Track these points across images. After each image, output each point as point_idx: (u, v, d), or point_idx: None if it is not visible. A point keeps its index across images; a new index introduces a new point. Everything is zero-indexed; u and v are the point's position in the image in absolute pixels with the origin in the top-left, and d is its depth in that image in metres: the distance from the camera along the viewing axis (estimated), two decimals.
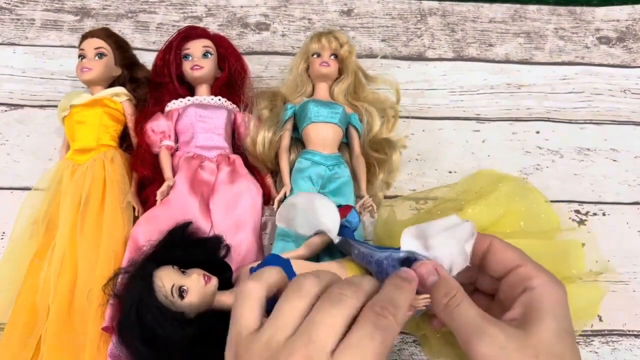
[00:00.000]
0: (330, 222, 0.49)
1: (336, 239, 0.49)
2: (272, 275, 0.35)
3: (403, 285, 0.34)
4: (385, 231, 0.56)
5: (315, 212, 0.50)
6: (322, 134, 0.61)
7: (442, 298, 0.34)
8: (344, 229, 0.51)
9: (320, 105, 0.62)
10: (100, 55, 0.63)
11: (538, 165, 0.69)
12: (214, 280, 0.47)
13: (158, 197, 0.57)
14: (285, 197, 0.59)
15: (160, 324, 0.44)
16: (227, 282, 0.51)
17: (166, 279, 0.45)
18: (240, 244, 0.56)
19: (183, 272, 0.46)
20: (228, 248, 0.54)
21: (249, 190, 0.59)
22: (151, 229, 0.54)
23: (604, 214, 0.65)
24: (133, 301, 0.45)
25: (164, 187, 0.57)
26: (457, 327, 0.33)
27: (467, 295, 0.34)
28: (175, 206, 0.56)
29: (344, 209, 0.52)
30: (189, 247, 0.50)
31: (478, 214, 0.55)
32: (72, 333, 0.49)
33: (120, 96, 0.64)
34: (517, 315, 0.33)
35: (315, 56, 0.65)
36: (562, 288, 0.34)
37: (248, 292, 0.33)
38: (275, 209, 0.57)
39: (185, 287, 0.45)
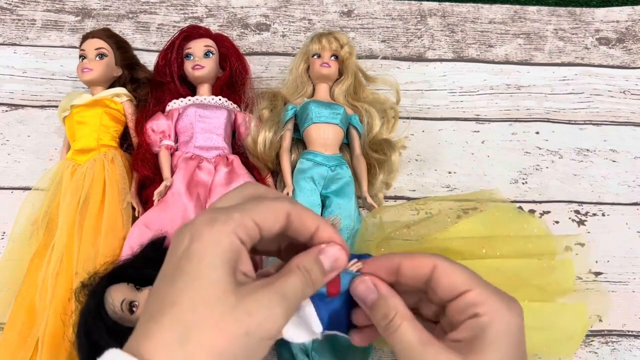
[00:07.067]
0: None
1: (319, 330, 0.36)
2: None
3: None
4: (364, 237, 0.56)
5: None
6: (324, 135, 0.61)
7: (380, 320, 0.32)
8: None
9: (321, 106, 0.62)
10: (101, 55, 0.63)
11: (537, 165, 0.69)
12: None
13: (155, 197, 0.57)
14: None
15: (105, 340, 0.43)
16: None
17: (116, 294, 0.45)
18: None
19: (138, 289, 0.47)
20: None
21: None
22: (147, 232, 0.54)
23: (603, 215, 0.65)
24: (83, 316, 0.45)
25: (161, 187, 0.57)
26: (396, 351, 0.31)
27: (409, 314, 0.31)
28: (171, 208, 0.57)
29: (332, 286, 0.36)
30: (153, 264, 0.49)
31: (473, 227, 0.56)
32: (70, 334, 0.49)
33: (120, 96, 0.64)
34: (462, 337, 0.31)
35: (315, 57, 0.65)
36: (516, 312, 0.31)
37: None
38: None
39: (136, 302, 0.45)
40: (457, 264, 0.32)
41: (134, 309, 0.45)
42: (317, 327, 0.33)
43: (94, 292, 0.46)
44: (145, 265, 0.49)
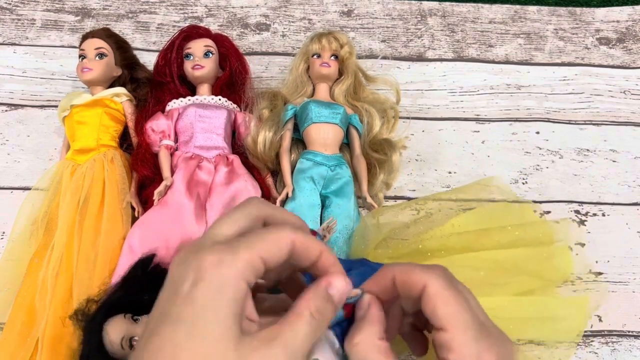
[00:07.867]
0: None
1: None
2: None
3: None
4: (360, 241, 0.56)
5: None
6: (323, 135, 0.61)
7: (352, 337, 0.31)
8: None
9: (321, 106, 0.62)
10: (101, 55, 0.63)
11: (538, 165, 0.69)
12: None
13: (155, 197, 0.57)
14: (287, 197, 0.59)
15: None
16: None
17: (115, 332, 0.44)
18: None
19: (135, 319, 0.45)
20: None
21: (245, 191, 0.59)
22: (146, 232, 0.54)
23: (603, 215, 0.65)
24: (83, 356, 0.44)
25: (161, 187, 0.57)
26: None
27: (378, 349, 0.30)
28: (171, 208, 0.57)
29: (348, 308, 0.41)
30: (146, 287, 0.47)
31: (467, 221, 0.56)
32: (70, 335, 0.49)
33: (120, 96, 0.64)
34: None
35: (315, 57, 0.65)
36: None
37: None
38: None
39: (136, 337, 0.44)
40: (451, 289, 0.30)
41: (134, 343, 0.44)
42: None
43: (91, 331, 0.45)
44: (139, 291, 0.47)
